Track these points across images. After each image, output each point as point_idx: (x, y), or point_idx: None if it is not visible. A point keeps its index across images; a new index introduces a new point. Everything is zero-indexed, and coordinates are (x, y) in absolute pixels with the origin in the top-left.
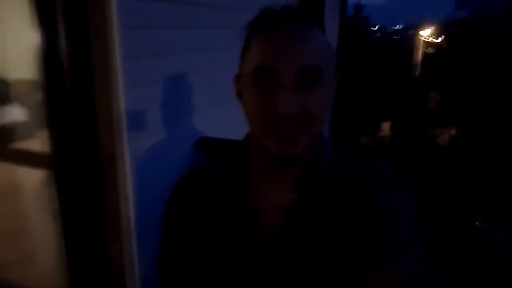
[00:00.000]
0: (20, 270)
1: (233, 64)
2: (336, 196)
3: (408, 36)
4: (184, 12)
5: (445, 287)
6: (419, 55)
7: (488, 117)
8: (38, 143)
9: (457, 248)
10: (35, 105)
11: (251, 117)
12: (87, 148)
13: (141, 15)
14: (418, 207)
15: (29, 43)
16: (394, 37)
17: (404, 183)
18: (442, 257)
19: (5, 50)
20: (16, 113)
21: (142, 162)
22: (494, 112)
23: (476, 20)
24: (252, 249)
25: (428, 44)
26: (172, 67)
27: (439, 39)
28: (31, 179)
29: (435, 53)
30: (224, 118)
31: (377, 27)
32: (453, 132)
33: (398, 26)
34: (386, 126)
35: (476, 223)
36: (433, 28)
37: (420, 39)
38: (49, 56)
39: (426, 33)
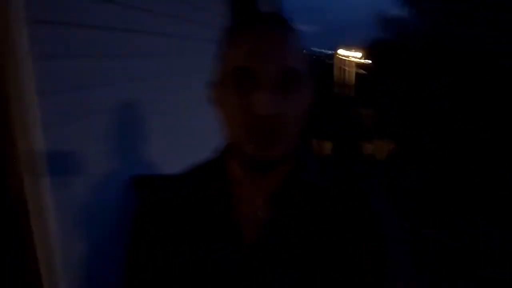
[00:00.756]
0: None
1: (168, 93)
2: (319, 206)
3: (341, 60)
4: (109, 38)
5: None
6: (352, 77)
7: (421, 131)
8: None
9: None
10: None
11: (229, 120)
12: None
13: (60, 43)
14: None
15: None
16: (327, 61)
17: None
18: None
19: None
20: None
21: (68, 213)
22: (425, 125)
23: (398, 42)
24: (233, 261)
25: (359, 65)
26: (98, 100)
27: (368, 61)
28: None
29: (367, 74)
30: (160, 153)
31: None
32: (391, 146)
33: (331, 51)
34: (327, 145)
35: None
36: (363, 51)
37: (352, 61)
38: None
39: (357, 56)
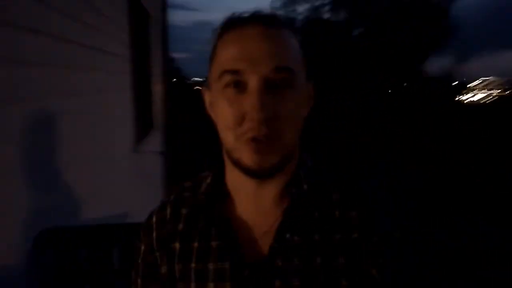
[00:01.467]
0: None
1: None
2: (326, 217)
3: None
4: None
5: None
6: None
7: None
8: None
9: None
10: None
11: (223, 127)
12: None
13: None
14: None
15: None
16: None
17: None
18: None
19: None
20: None
21: None
22: None
23: None
24: (235, 282)
25: None
26: None
27: None
28: None
29: None
30: (73, 196)
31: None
32: None
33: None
34: None
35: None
36: None
37: None
38: None
39: None
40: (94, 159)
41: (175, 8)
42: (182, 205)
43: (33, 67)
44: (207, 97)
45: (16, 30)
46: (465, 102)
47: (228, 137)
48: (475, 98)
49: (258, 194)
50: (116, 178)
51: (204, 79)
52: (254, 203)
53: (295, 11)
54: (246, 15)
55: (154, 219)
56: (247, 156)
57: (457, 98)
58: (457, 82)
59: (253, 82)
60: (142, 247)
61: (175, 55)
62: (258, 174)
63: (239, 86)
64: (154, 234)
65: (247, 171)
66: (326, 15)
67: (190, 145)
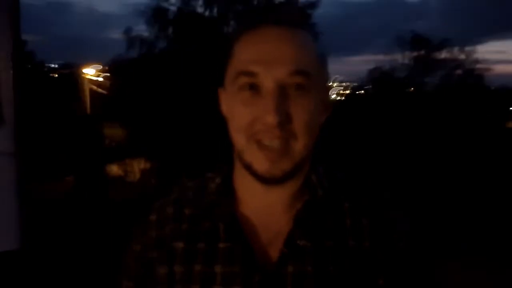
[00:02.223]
0: None
1: None
2: (340, 227)
3: (74, 74)
4: None
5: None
6: (87, 94)
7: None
8: None
9: None
10: None
11: (236, 129)
12: None
13: None
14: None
15: None
16: (62, 72)
17: None
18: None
19: None
20: None
21: None
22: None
23: (143, 60)
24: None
25: (97, 83)
26: None
27: (107, 79)
28: None
29: (107, 92)
30: None
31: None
32: (142, 164)
33: (62, 62)
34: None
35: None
36: (101, 67)
37: (85, 78)
38: None
39: (92, 72)
40: None
41: None
42: (185, 205)
43: None
44: (222, 98)
45: None
46: None
47: (240, 138)
48: None
49: (268, 198)
50: None
51: (62, 64)
52: (263, 207)
53: (168, 1)
54: (263, 11)
55: (153, 218)
56: (259, 163)
57: None
58: None
59: (268, 85)
60: (137, 247)
61: (28, 37)
62: (268, 181)
63: (254, 88)
64: (154, 233)
65: (258, 177)
66: (200, 9)
67: (49, 143)
